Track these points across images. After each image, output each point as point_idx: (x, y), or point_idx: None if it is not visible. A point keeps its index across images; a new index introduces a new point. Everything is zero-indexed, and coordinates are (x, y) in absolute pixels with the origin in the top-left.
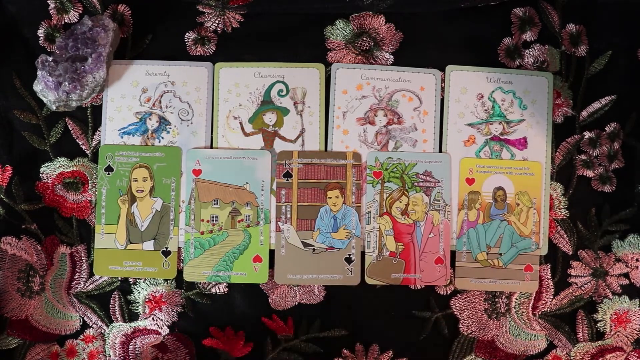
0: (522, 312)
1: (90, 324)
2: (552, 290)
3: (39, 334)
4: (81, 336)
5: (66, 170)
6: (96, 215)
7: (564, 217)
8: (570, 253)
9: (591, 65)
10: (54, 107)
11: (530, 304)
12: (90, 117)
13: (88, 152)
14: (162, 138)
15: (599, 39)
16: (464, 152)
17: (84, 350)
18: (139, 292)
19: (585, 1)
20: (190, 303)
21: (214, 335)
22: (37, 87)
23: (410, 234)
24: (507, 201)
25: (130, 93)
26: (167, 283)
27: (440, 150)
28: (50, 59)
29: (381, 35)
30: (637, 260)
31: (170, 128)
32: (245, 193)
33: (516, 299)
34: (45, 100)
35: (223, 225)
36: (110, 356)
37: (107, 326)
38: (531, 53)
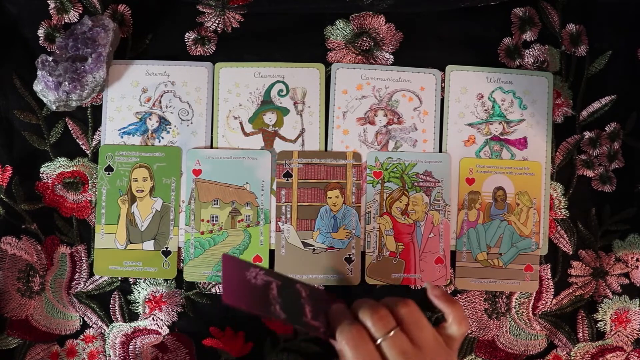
0: (522, 312)
1: (91, 324)
2: (552, 290)
3: (39, 334)
4: (81, 336)
5: (66, 170)
6: (96, 215)
7: (564, 217)
8: (571, 253)
9: (591, 65)
10: (54, 107)
11: (531, 304)
12: (90, 117)
13: (88, 152)
14: (162, 138)
15: (599, 39)
16: (464, 152)
17: (84, 350)
18: (139, 292)
19: (585, 1)
20: (190, 303)
21: (214, 335)
22: (37, 87)
23: (410, 234)
24: (507, 201)
25: (130, 93)
26: (167, 283)
27: (440, 150)
28: (50, 59)
29: (381, 35)
30: (637, 260)
31: (170, 128)
32: (245, 193)
33: (516, 299)
34: (45, 100)
35: (223, 225)
36: (110, 356)
37: (107, 326)
38: (531, 53)
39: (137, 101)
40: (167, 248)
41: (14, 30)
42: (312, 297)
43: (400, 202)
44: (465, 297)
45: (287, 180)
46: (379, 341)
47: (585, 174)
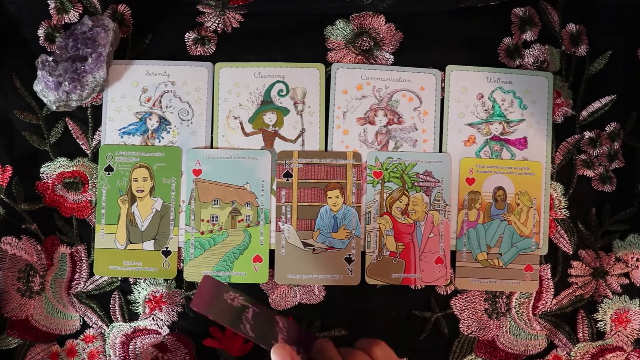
0: (523, 312)
1: (91, 324)
2: (553, 290)
3: (39, 334)
4: (81, 336)
5: (66, 170)
6: (96, 215)
7: (564, 217)
8: (571, 253)
9: (591, 65)
10: (54, 107)
11: (531, 304)
12: (91, 117)
13: (88, 152)
14: (162, 138)
15: (599, 39)
16: (464, 152)
17: (84, 350)
18: (139, 292)
19: (585, 1)
20: (190, 303)
21: (213, 335)
22: (37, 87)
23: (411, 234)
24: (507, 201)
25: (130, 93)
26: (167, 283)
27: (440, 150)
28: (50, 59)
29: (381, 35)
30: (637, 260)
31: (170, 128)
32: (245, 193)
33: (516, 299)
34: (45, 100)
35: (223, 225)
36: (110, 356)
37: (107, 326)
38: (531, 53)
39: (137, 101)
40: (167, 248)
41: (14, 30)
42: (289, 330)
43: (401, 202)
44: (465, 297)
45: (287, 180)
46: None
47: (585, 174)
